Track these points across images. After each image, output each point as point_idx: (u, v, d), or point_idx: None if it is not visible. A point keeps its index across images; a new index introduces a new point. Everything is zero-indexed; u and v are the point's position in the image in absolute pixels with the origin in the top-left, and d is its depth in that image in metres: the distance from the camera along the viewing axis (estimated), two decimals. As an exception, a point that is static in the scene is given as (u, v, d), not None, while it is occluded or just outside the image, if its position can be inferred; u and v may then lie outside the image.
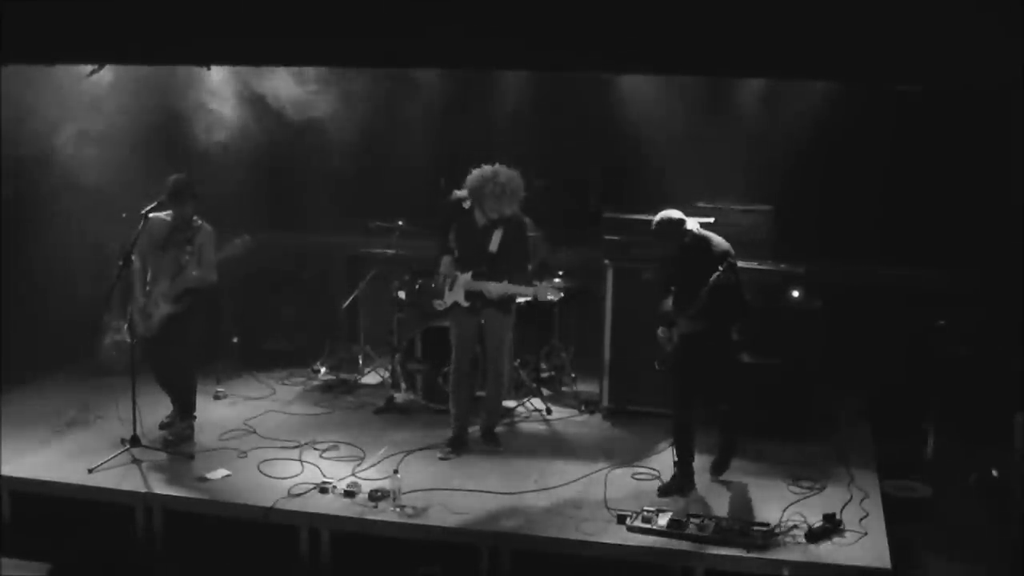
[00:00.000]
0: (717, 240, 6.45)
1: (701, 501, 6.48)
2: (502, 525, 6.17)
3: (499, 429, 7.51)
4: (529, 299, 7.27)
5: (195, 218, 7.21)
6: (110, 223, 8.13)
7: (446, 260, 7.21)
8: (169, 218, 7.17)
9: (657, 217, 6.47)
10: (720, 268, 6.21)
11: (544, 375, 8.44)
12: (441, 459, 7.10)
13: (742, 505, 6.42)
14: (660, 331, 6.59)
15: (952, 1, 5.45)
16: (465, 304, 7.12)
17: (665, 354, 6.58)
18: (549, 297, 7.05)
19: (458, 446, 7.25)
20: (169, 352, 7.27)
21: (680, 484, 6.63)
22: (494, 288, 7.00)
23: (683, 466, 6.68)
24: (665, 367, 6.61)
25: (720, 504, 6.42)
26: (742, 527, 5.97)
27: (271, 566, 6.28)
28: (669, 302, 6.58)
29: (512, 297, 7.18)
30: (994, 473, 6.65)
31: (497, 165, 6.90)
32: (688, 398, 6.66)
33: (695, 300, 6.27)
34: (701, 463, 6.91)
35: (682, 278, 6.46)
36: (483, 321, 7.19)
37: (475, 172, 6.92)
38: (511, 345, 7.53)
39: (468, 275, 7.09)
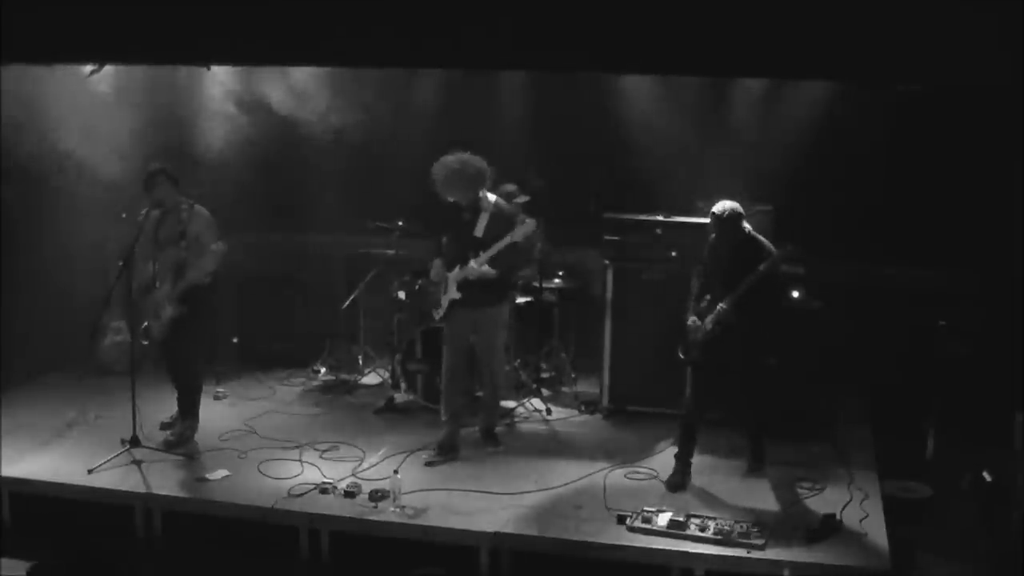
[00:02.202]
0: (766, 242, 6.53)
1: (701, 501, 6.49)
2: (502, 525, 6.17)
3: (499, 429, 7.50)
4: (526, 281, 7.31)
5: (184, 204, 7.16)
6: (110, 223, 8.14)
7: (435, 264, 7.13)
8: (156, 212, 7.14)
9: (719, 207, 6.44)
10: (769, 262, 6.30)
11: (544, 375, 8.44)
12: (427, 464, 6.99)
13: (742, 505, 6.42)
14: (691, 320, 6.61)
15: (952, 1, 5.45)
16: (457, 295, 7.00)
17: (691, 344, 6.58)
18: (527, 231, 6.83)
19: (447, 451, 7.10)
20: (178, 352, 7.28)
21: (678, 480, 6.67)
22: (474, 264, 6.87)
23: (682, 462, 6.73)
24: (688, 358, 6.61)
25: (720, 504, 6.42)
26: (742, 527, 5.98)
27: (271, 566, 6.28)
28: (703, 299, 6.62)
29: (502, 287, 7.06)
30: (986, 476, 6.63)
31: (458, 153, 6.86)
32: (702, 395, 6.68)
33: (737, 289, 6.32)
34: (701, 462, 6.93)
35: (727, 275, 6.46)
36: (475, 322, 7.07)
37: (437, 162, 6.89)
38: (505, 344, 7.40)
39: (456, 270, 7.00)
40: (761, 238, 6.57)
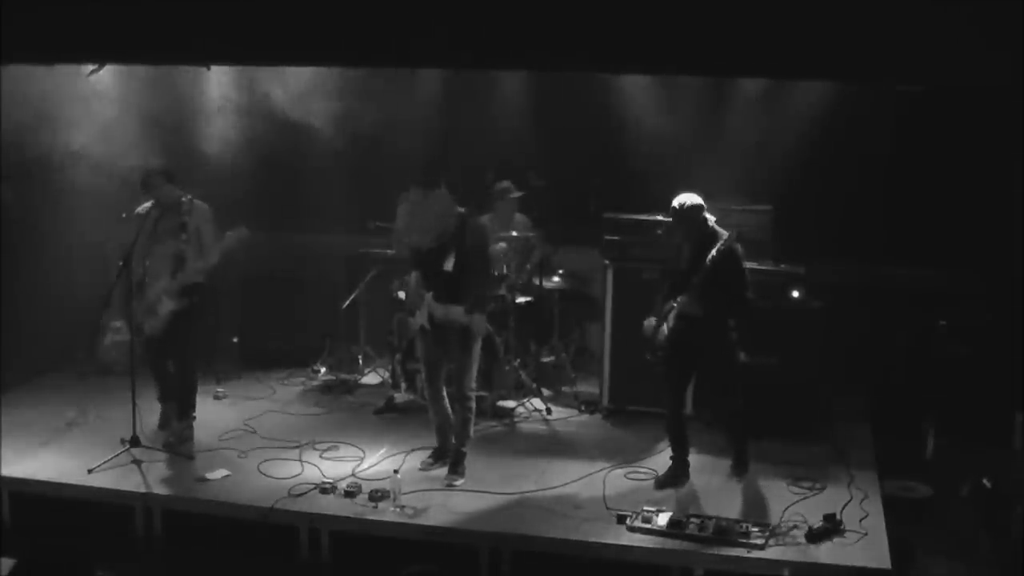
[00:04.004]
0: (722, 232, 6.49)
1: (701, 501, 6.49)
2: (502, 525, 6.17)
3: (498, 429, 7.48)
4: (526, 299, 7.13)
5: (184, 198, 7.14)
6: (111, 223, 8.14)
7: (413, 278, 6.86)
8: (155, 210, 7.14)
9: (678, 200, 6.42)
10: (720, 244, 6.26)
11: (545, 360, 8.40)
12: (421, 470, 6.89)
13: (742, 505, 6.42)
14: (647, 322, 6.62)
15: (952, 1, 5.45)
16: (427, 326, 6.72)
17: (656, 344, 6.58)
18: (479, 331, 6.62)
19: (441, 457, 6.99)
20: (173, 350, 7.27)
21: (675, 477, 6.67)
22: (439, 312, 6.60)
23: (677, 458, 6.74)
24: (656, 357, 6.61)
25: (720, 504, 6.42)
26: (742, 527, 5.97)
27: (271, 566, 6.28)
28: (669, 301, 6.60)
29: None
30: (985, 482, 6.63)
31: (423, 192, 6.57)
32: (680, 389, 6.68)
33: (695, 280, 6.30)
34: (701, 462, 6.93)
35: (691, 273, 6.43)
36: (449, 337, 6.73)
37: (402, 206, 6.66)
38: (478, 364, 6.85)
39: (430, 295, 6.67)
40: (721, 231, 6.48)
